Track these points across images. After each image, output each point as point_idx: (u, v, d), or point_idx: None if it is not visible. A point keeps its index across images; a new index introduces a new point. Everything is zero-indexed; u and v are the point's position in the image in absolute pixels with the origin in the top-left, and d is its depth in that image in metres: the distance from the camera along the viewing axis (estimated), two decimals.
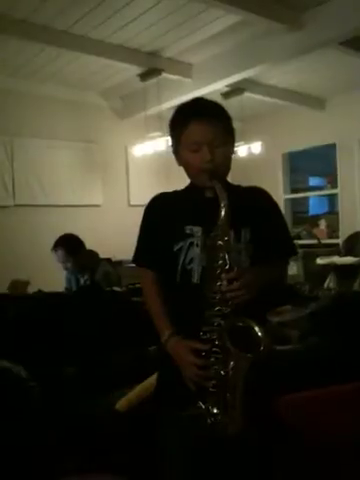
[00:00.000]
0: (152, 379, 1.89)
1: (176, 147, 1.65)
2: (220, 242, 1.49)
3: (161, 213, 1.68)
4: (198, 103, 1.66)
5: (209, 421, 1.48)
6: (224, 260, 1.48)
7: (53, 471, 1.83)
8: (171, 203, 1.70)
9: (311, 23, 4.45)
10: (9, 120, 5.94)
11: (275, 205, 1.72)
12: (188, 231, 1.60)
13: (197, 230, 1.59)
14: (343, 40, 4.65)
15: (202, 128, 1.56)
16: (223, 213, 1.49)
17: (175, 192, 1.74)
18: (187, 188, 1.72)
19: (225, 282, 1.46)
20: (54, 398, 2.21)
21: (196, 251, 1.58)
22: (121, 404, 2.24)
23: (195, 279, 1.58)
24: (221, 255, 1.49)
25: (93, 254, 4.14)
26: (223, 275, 1.47)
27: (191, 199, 1.68)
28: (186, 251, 1.59)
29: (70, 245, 4.00)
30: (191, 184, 1.70)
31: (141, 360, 2.42)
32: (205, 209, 1.58)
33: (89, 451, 1.98)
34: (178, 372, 1.56)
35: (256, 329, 1.41)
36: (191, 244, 1.59)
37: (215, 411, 1.48)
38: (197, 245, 1.58)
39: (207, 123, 1.56)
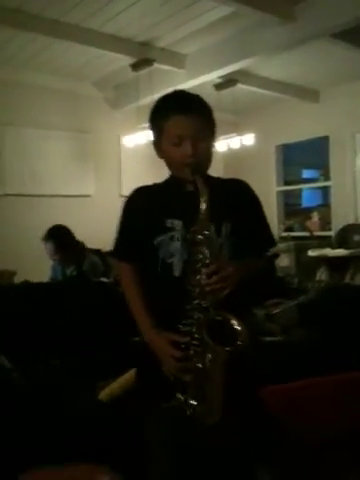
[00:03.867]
0: (135, 370, 1.90)
1: (157, 139, 1.65)
2: (200, 236, 1.50)
3: (141, 206, 1.68)
4: (181, 95, 1.66)
5: (188, 412, 1.50)
6: (204, 254, 1.49)
7: (35, 460, 1.84)
8: (151, 196, 1.69)
9: (304, 15, 4.42)
10: (0, 109, 5.89)
11: (255, 197, 1.72)
12: (169, 225, 1.60)
13: (178, 224, 1.59)
14: (336, 32, 4.62)
15: (185, 121, 1.56)
16: (204, 207, 1.49)
17: (155, 185, 1.74)
18: (167, 181, 1.72)
19: (205, 276, 1.47)
20: (38, 388, 2.22)
21: (177, 245, 1.58)
22: (104, 394, 2.26)
23: (176, 273, 1.58)
24: (201, 249, 1.49)
25: (80, 246, 4.12)
26: (203, 269, 1.48)
27: (172, 192, 1.68)
28: (167, 245, 1.59)
29: (60, 239, 3.99)
30: (171, 177, 1.70)
31: (126, 350, 2.42)
32: (186, 203, 1.58)
33: (72, 441, 1.99)
34: (158, 364, 1.57)
35: (234, 323, 1.42)
36: (172, 238, 1.59)
37: (193, 403, 1.49)
38: (178, 239, 1.59)
39: (190, 117, 1.56)
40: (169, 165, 1.66)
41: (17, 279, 3.91)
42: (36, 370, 2.40)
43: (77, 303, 2.94)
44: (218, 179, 1.72)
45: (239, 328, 1.41)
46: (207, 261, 1.48)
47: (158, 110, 1.64)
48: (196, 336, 1.49)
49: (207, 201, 1.48)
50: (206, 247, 1.49)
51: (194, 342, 1.49)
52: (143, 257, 1.64)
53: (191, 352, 1.50)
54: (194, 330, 1.49)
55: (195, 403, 1.50)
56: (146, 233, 1.62)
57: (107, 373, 2.39)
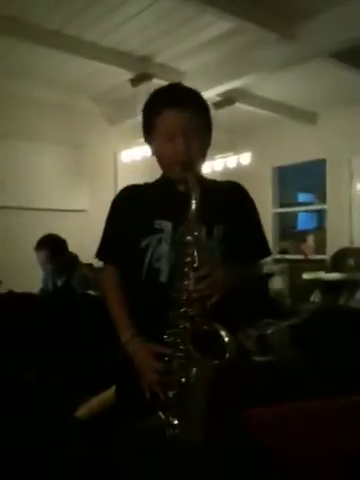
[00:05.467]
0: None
1: (149, 135, 1.56)
2: (189, 237, 1.38)
3: (129, 206, 1.57)
4: (174, 89, 1.56)
5: (168, 433, 1.37)
6: (192, 257, 1.37)
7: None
8: (140, 196, 1.59)
9: (303, 34, 4.40)
10: None
11: (251, 202, 1.62)
12: (157, 226, 1.49)
13: (167, 225, 1.49)
14: (335, 52, 4.60)
15: (177, 116, 1.47)
16: (194, 206, 1.38)
17: (145, 184, 1.63)
18: (158, 180, 1.62)
19: (193, 281, 1.36)
20: (12, 403, 2.10)
21: (165, 248, 1.48)
22: (82, 412, 2.13)
23: (162, 278, 1.47)
24: (190, 251, 1.38)
25: (72, 257, 4.05)
26: (191, 273, 1.37)
27: (162, 192, 1.57)
28: (154, 248, 1.48)
29: (54, 247, 3.93)
30: (163, 176, 1.60)
31: (109, 366, 2.31)
32: (176, 203, 1.47)
33: (46, 460, 1.87)
34: (138, 378, 1.44)
35: (222, 334, 1.30)
36: (160, 240, 1.48)
37: (175, 422, 1.37)
38: (166, 241, 1.48)
39: (183, 111, 1.47)
40: (160, 163, 1.56)
41: (3, 290, 3.82)
42: (11, 384, 2.27)
43: (61, 315, 2.82)
44: (212, 180, 1.63)
45: (227, 339, 1.29)
46: (195, 265, 1.36)
47: (151, 103, 1.55)
48: (181, 347, 1.37)
49: (198, 199, 1.38)
50: (195, 249, 1.37)
51: (179, 354, 1.37)
52: (128, 260, 1.53)
53: (175, 365, 1.38)
54: (179, 341, 1.37)
55: (176, 422, 1.37)
56: (132, 234, 1.51)
57: (88, 389, 2.27)
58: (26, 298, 3.06)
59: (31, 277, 4.31)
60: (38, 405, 2.15)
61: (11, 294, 3.22)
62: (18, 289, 3.60)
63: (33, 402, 2.17)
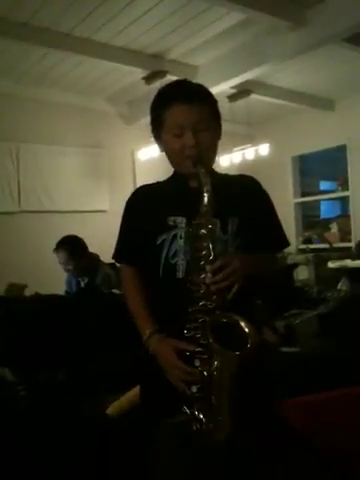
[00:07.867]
0: None
1: (158, 131, 1.55)
2: (203, 231, 1.38)
3: (142, 206, 1.59)
4: (182, 85, 1.56)
5: (194, 428, 1.37)
6: (208, 250, 1.37)
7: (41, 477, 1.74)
8: (153, 194, 1.60)
9: (315, 19, 4.33)
10: (15, 126, 5.90)
11: (265, 194, 1.61)
12: (171, 223, 1.49)
13: (181, 221, 1.49)
14: (348, 36, 4.52)
15: (186, 111, 1.47)
16: (206, 199, 1.38)
17: (157, 183, 1.65)
18: (170, 178, 1.62)
19: (209, 274, 1.35)
20: (44, 401, 2.12)
21: (180, 243, 1.47)
22: (113, 409, 2.15)
23: (179, 274, 1.47)
24: (205, 245, 1.38)
25: (94, 257, 4.06)
26: (207, 267, 1.36)
27: (174, 189, 1.58)
28: (169, 244, 1.49)
29: (73, 247, 3.93)
30: (174, 173, 1.61)
31: (136, 364, 2.32)
32: (189, 199, 1.46)
33: (78, 457, 1.89)
34: (162, 375, 1.44)
35: (242, 324, 1.29)
36: (175, 236, 1.48)
37: (201, 417, 1.36)
38: (181, 237, 1.48)
39: (191, 106, 1.47)
40: (170, 159, 1.56)
41: (28, 293, 3.86)
42: (43, 383, 2.30)
43: (88, 315, 2.84)
44: (224, 174, 1.62)
45: (248, 330, 1.28)
46: (211, 257, 1.36)
47: (159, 100, 1.55)
48: (201, 341, 1.36)
49: (209, 192, 1.37)
50: (209, 242, 1.37)
51: (199, 348, 1.36)
52: (145, 259, 1.54)
53: (197, 360, 1.37)
54: (199, 335, 1.36)
55: (202, 417, 1.36)
56: (148, 233, 1.52)
57: (117, 387, 2.28)
58: (52, 299, 3.09)
59: (55, 279, 4.34)
60: (69, 403, 2.18)
61: (37, 296, 3.25)
62: (43, 292, 3.63)
63: (64, 400, 2.20)
